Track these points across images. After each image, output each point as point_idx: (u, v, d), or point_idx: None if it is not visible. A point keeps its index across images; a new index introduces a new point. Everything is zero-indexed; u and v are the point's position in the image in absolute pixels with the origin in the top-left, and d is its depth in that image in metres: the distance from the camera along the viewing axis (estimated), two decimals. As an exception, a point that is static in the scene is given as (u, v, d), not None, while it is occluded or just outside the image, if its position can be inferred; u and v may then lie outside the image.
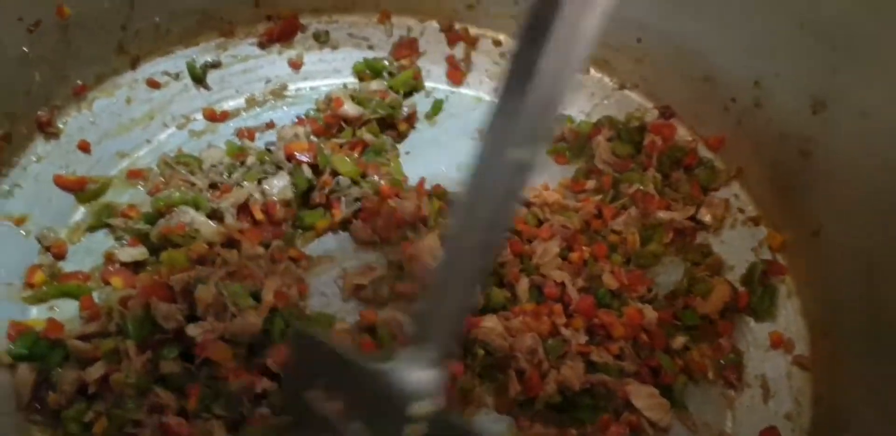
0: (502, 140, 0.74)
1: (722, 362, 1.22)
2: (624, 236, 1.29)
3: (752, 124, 1.30)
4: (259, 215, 1.24)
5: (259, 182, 1.27)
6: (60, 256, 1.21)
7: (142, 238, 1.22)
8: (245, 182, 1.27)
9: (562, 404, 1.14)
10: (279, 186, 1.27)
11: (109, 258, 1.20)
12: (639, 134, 1.39)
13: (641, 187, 1.32)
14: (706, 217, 1.33)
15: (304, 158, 1.30)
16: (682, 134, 1.41)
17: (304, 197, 1.29)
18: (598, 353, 1.17)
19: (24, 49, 1.17)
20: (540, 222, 1.30)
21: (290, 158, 1.31)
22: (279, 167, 1.30)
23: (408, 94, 1.46)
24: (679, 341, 1.21)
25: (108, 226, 1.24)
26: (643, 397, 1.13)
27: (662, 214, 1.32)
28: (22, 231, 1.20)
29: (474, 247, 0.78)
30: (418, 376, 0.81)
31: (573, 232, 1.28)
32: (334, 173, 1.30)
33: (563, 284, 1.22)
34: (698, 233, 1.34)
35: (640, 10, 1.33)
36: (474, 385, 1.16)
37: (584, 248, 1.27)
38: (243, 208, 1.25)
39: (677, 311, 1.24)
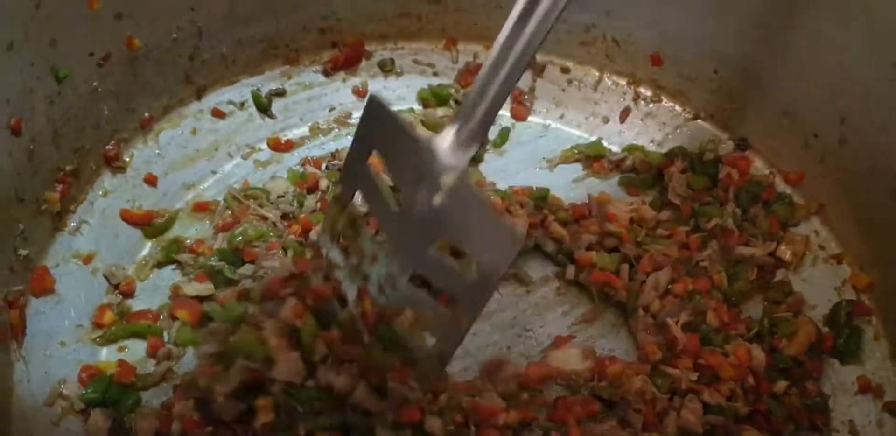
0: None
1: (808, 403, 1.17)
2: (710, 275, 1.24)
3: (837, 161, 1.25)
4: None
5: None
6: (129, 293, 1.18)
7: (211, 275, 1.18)
8: None
9: None
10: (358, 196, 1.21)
11: (176, 293, 1.17)
12: (713, 167, 1.35)
13: (720, 222, 1.28)
14: (786, 254, 1.29)
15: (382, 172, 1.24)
16: (759, 167, 1.36)
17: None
18: (710, 394, 1.13)
19: (94, 84, 1.15)
20: (638, 244, 1.26)
21: None
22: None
23: (475, 121, 1.42)
24: (781, 385, 1.16)
25: (175, 262, 1.20)
26: None
27: (744, 250, 1.27)
28: (90, 269, 1.17)
29: (519, 48, 0.93)
30: (454, 150, 0.93)
31: (674, 261, 1.24)
32: None
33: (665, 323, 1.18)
34: (777, 270, 1.29)
35: (720, 42, 1.29)
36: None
37: (686, 279, 1.23)
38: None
39: (766, 352, 1.19)
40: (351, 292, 1.04)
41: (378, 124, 0.95)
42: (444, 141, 0.93)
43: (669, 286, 1.23)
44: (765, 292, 1.27)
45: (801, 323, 1.22)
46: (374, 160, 1.00)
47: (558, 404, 1.12)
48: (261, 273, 1.16)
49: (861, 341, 1.22)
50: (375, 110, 0.95)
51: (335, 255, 1.06)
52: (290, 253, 1.19)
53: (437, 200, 0.88)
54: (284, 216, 1.24)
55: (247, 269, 1.17)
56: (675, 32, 1.33)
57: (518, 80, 0.96)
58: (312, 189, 1.27)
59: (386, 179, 1.01)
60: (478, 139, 0.94)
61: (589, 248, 1.27)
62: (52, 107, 1.08)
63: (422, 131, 1.01)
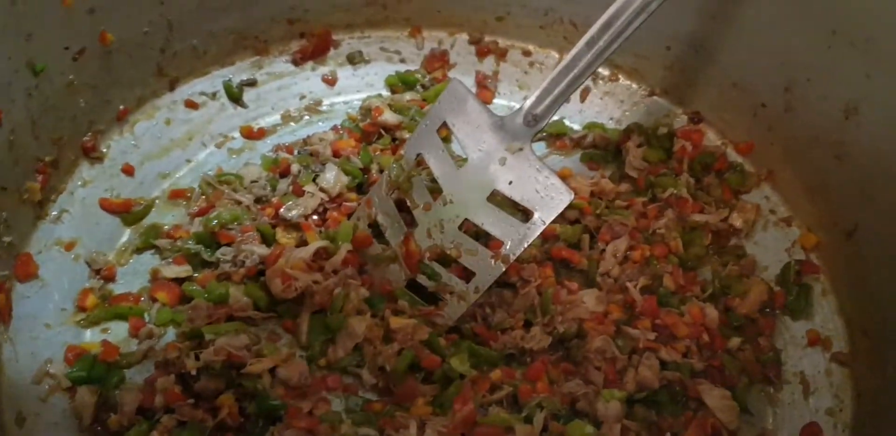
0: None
1: (762, 359, 1.20)
2: (667, 242, 1.27)
3: (784, 129, 1.28)
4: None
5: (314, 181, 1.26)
6: (110, 278, 1.19)
7: (189, 257, 1.20)
8: (306, 187, 1.24)
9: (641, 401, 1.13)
10: (331, 177, 1.25)
11: (155, 275, 1.19)
12: (668, 140, 1.37)
13: (675, 191, 1.31)
14: (737, 222, 1.31)
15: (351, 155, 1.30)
16: (711, 139, 1.39)
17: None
18: (667, 351, 1.16)
19: (70, 77, 1.16)
20: (598, 216, 1.29)
21: (336, 154, 1.30)
22: (323, 164, 1.28)
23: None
24: (735, 341, 1.19)
25: (154, 247, 1.22)
26: (716, 398, 1.12)
27: (698, 217, 1.30)
28: (72, 255, 1.18)
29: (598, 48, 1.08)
30: (522, 127, 1.12)
31: (631, 230, 1.27)
32: (380, 171, 1.29)
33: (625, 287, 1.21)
34: (731, 235, 1.32)
35: (671, 19, 1.30)
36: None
37: (643, 246, 1.26)
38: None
39: (721, 311, 1.22)
40: (396, 238, 1.19)
41: (457, 102, 1.13)
42: (516, 119, 1.12)
43: (628, 253, 1.25)
44: (719, 256, 1.30)
45: (753, 283, 1.25)
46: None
47: (536, 363, 1.14)
48: (241, 257, 1.18)
49: (810, 297, 1.25)
50: (458, 91, 1.13)
51: (387, 205, 1.21)
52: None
53: (504, 162, 1.10)
54: (258, 200, 1.25)
55: (224, 250, 1.19)
56: (627, 12, 1.36)
57: (586, 79, 1.12)
58: (285, 173, 1.29)
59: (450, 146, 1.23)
60: (542, 121, 1.12)
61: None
62: (30, 99, 1.09)
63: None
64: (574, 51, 1.09)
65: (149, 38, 1.25)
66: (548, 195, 1.08)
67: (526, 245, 1.10)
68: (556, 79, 1.11)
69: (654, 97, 1.43)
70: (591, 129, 1.41)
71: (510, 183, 1.10)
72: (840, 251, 1.23)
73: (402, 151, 1.21)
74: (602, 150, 1.40)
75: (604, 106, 1.45)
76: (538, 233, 1.09)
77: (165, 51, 1.28)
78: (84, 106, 1.20)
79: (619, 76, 1.45)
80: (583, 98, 1.46)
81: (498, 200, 1.13)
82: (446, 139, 1.26)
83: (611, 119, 1.44)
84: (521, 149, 1.11)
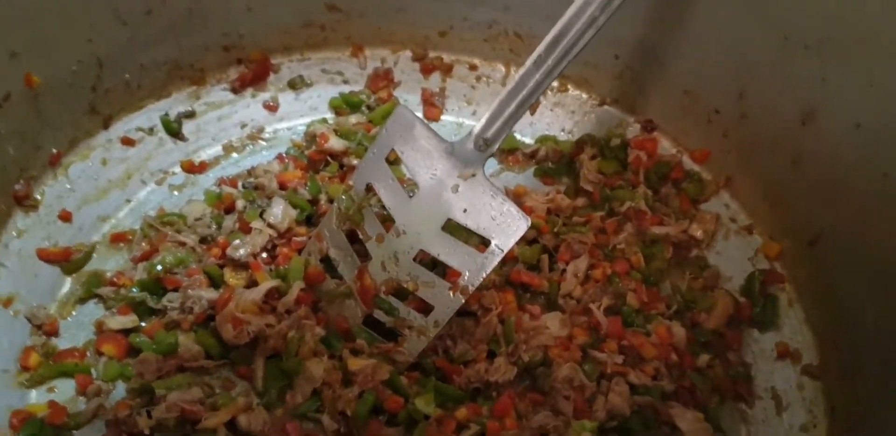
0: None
1: (732, 374, 1.15)
2: (628, 257, 1.21)
3: (739, 135, 1.22)
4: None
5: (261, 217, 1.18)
6: (53, 333, 1.11)
7: (134, 306, 1.12)
8: (253, 223, 1.17)
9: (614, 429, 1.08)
10: (279, 211, 1.18)
11: (100, 327, 1.11)
12: (622, 151, 1.31)
13: (633, 204, 1.25)
14: (698, 232, 1.26)
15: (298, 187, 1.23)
16: (666, 147, 1.33)
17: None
18: (636, 375, 1.10)
19: (-3, 126, 1.06)
20: (556, 234, 1.23)
21: (282, 186, 1.23)
22: (269, 198, 1.21)
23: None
24: (704, 359, 1.14)
25: (97, 296, 1.13)
26: (689, 422, 1.06)
27: (657, 230, 1.24)
28: (10, 312, 1.10)
29: (544, 70, 1.01)
30: (473, 152, 1.05)
31: (591, 247, 1.21)
32: (329, 200, 1.21)
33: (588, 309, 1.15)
34: (693, 247, 1.26)
35: (617, 26, 1.22)
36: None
37: (604, 264, 1.20)
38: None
39: (687, 327, 1.16)
40: (350, 273, 1.13)
41: (404, 129, 1.07)
42: (466, 144, 1.06)
43: (589, 272, 1.19)
44: (682, 269, 1.24)
45: (718, 296, 1.20)
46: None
47: (503, 397, 1.08)
48: (189, 303, 1.10)
49: (777, 308, 1.20)
50: (403, 117, 1.07)
51: (338, 238, 1.14)
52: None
53: (457, 189, 1.04)
54: (203, 240, 1.17)
55: (170, 297, 1.11)
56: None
57: (536, 98, 1.05)
58: (230, 209, 1.20)
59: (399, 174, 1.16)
60: (494, 145, 1.06)
61: (508, 241, 1.24)
62: (-48, 154, 1.00)
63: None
64: (522, 71, 1.02)
65: (78, 76, 1.16)
66: (504, 222, 1.01)
67: (485, 275, 1.04)
68: (505, 101, 1.04)
69: (606, 107, 1.37)
70: (543, 142, 1.35)
71: (465, 211, 1.03)
72: (804, 260, 1.18)
73: (350, 182, 1.13)
74: (555, 163, 1.34)
75: (554, 117, 1.38)
76: (497, 262, 1.02)
77: (97, 88, 1.19)
78: (14, 154, 1.11)
79: (569, 87, 1.38)
80: (533, 110, 1.38)
81: (453, 228, 1.06)
82: (395, 162, 1.18)
83: (562, 131, 1.37)
84: (473, 175, 1.04)
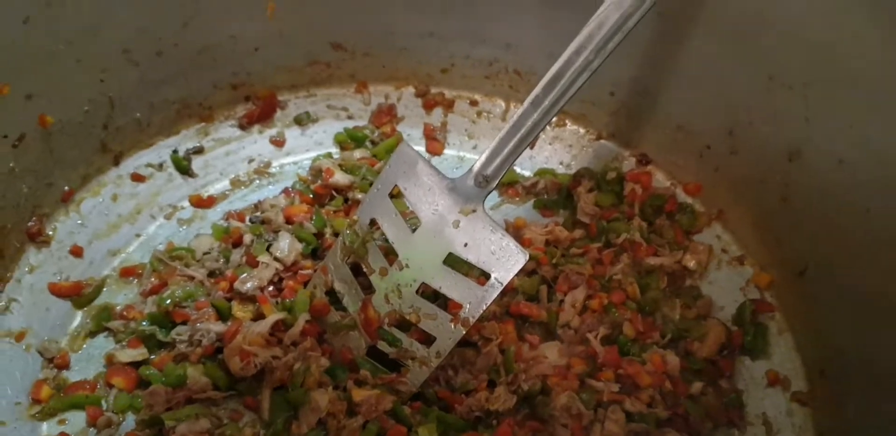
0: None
1: (724, 401, 1.17)
2: (624, 287, 1.24)
3: (730, 170, 1.25)
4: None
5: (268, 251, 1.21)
6: (64, 366, 1.13)
7: (144, 339, 1.14)
8: (260, 257, 1.19)
9: None
10: (285, 246, 1.20)
11: (110, 360, 1.13)
12: (618, 184, 1.34)
13: (628, 236, 1.27)
14: (691, 263, 1.28)
15: (304, 221, 1.25)
16: (660, 180, 1.36)
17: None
18: (631, 402, 1.12)
19: (11, 165, 1.09)
20: (555, 265, 1.25)
21: (289, 221, 1.25)
22: (276, 232, 1.23)
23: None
24: (697, 386, 1.16)
25: (107, 329, 1.16)
26: None
27: (652, 261, 1.27)
28: (23, 346, 1.12)
29: (542, 110, 1.04)
30: (473, 188, 1.08)
31: (588, 278, 1.23)
32: (334, 234, 1.24)
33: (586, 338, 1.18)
34: (686, 276, 1.29)
35: (612, 65, 1.26)
36: None
37: (601, 294, 1.22)
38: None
39: (681, 356, 1.19)
40: (354, 305, 1.15)
41: (407, 165, 1.09)
42: (466, 180, 1.08)
43: (587, 303, 1.22)
44: (676, 298, 1.26)
45: (711, 325, 1.22)
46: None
47: (503, 425, 1.10)
48: (198, 336, 1.12)
49: (767, 336, 1.22)
50: (407, 154, 1.10)
51: (343, 272, 1.16)
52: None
53: (458, 225, 1.07)
54: (211, 274, 1.20)
55: (179, 330, 1.13)
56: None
57: (536, 137, 1.07)
58: (237, 243, 1.23)
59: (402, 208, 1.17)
60: (493, 182, 1.08)
61: (509, 272, 1.26)
62: (-31, 195, 1.03)
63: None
64: (519, 111, 1.05)
65: (90, 116, 1.19)
66: (503, 256, 1.04)
67: (485, 307, 1.06)
68: (505, 139, 1.07)
69: (602, 141, 1.40)
70: (541, 175, 1.38)
71: (465, 245, 1.06)
72: (793, 290, 1.21)
73: (355, 216, 1.16)
74: (554, 196, 1.37)
75: (553, 151, 1.42)
76: (496, 295, 1.05)
77: (108, 126, 1.22)
78: (27, 191, 1.14)
79: (567, 122, 1.41)
80: (532, 144, 1.40)
81: (454, 262, 1.09)
82: (398, 196, 1.21)
83: (560, 164, 1.41)
84: (473, 211, 1.07)
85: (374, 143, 1.39)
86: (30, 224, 1.16)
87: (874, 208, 1.03)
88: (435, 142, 1.41)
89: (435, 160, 1.40)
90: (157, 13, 1.15)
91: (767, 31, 1.07)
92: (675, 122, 1.28)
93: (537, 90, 1.03)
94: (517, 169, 1.40)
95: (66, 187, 1.21)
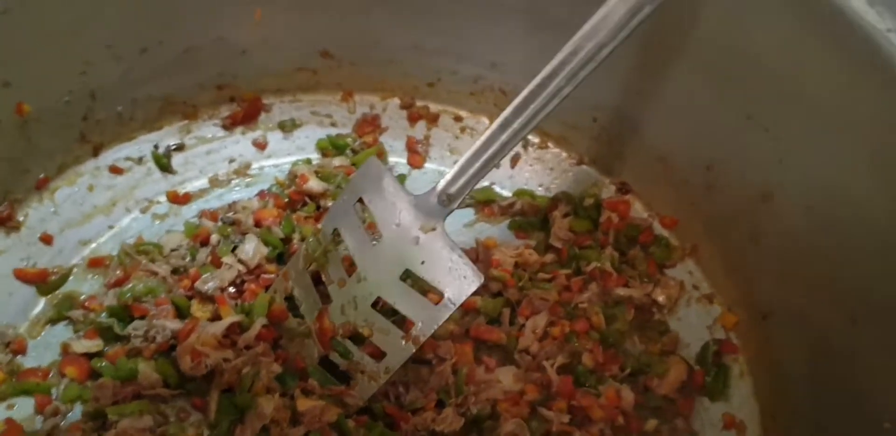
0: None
1: (678, 442, 1.19)
2: (589, 316, 1.25)
3: (705, 206, 1.27)
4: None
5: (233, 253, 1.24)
6: (20, 351, 1.16)
7: (101, 331, 1.17)
8: (224, 258, 1.22)
9: None
10: (251, 248, 1.23)
11: (66, 350, 1.16)
12: (595, 210, 1.35)
13: (599, 265, 1.29)
14: (660, 297, 1.30)
15: (273, 225, 1.28)
16: (638, 210, 1.38)
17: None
18: (581, 435, 1.14)
19: (-18, 151, 1.13)
20: (521, 288, 1.27)
21: (258, 224, 1.28)
22: (244, 234, 1.26)
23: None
24: (652, 424, 1.18)
25: (68, 318, 1.19)
26: None
27: (621, 292, 1.28)
28: (-20, 330, 1.16)
29: (511, 130, 1.06)
30: (435, 206, 1.09)
31: (552, 305, 1.25)
32: (301, 240, 1.26)
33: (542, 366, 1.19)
34: (654, 310, 1.30)
35: (595, 91, 1.29)
36: None
37: (563, 322, 1.24)
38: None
39: (639, 391, 1.21)
40: (311, 314, 1.18)
41: (373, 179, 1.12)
42: (430, 198, 1.10)
43: (548, 329, 1.24)
44: (642, 332, 1.28)
45: (673, 362, 1.23)
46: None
47: None
48: (153, 332, 1.15)
49: (728, 378, 1.23)
50: (373, 168, 1.13)
51: (303, 279, 1.19)
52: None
53: (418, 241, 1.08)
54: (175, 271, 1.23)
55: (136, 324, 1.16)
56: (555, 84, 1.35)
57: (501, 158, 1.09)
58: (205, 243, 1.26)
59: (366, 222, 1.18)
60: (456, 201, 1.10)
61: (474, 293, 1.28)
62: (-63, 177, 1.07)
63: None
64: (488, 133, 1.07)
65: (70, 107, 1.22)
66: (458, 277, 1.05)
67: (436, 327, 1.08)
68: (471, 159, 1.09)
69: (583, 166, 1.42)
70: (519, 196, 1.40)
71: (423, 263, 1.08)
72: (756, 333, 1.22)
73: (319, 225, 1.19)
74: (530, 217, 1.39)
75: (534, 173, 1.44)
76: (448, 315, 1.07)
77: (88, 118, 1.25)
78: (0, 177, 1.17)
79: (549, 144, 1.43)
80: (513, 164, 1.44)
81: (412, 279, 1.11)
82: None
83: (540, 186, 1.43)
84: (433, 229, 1.09)
85: (354, 151, 1.41)
86: (0, 208, 1.20)
87: (838, 257, 1.04)
88: (416, 155, 1.44)
89: (415, 173, 1.43)
90: (143, 10, 1.18)
91: (748, 69, 1.09)
92: (656, 152, 1.30)
93: (507, 112, 1.05)
94: (496, 188, 1.43)
95: (42, 175, 1.24)
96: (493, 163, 1.09)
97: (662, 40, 1.15)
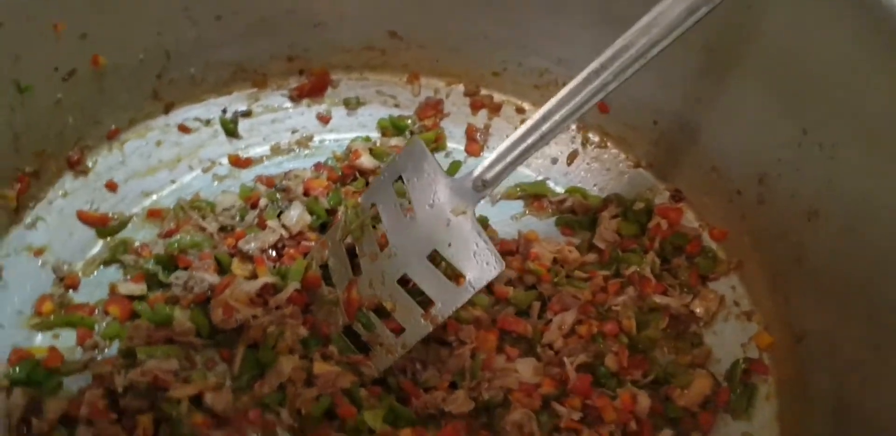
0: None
1: (692, 456, 1.18)
2: (620, 319, 1.25)
3: (755, 220, 1.25)
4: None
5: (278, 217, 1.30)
6: (73, 287, 1.25)
7: (147, 276, 1.25)
8: (269, 222, 1.29)
9: None
10: (295, 215, 1.29)
11: (113, 290, 1.25)
12: (645, 215, 1.36)
13: (638, 269, 1.29)
14: (699, 309, 1.28)
15: (321, 195, 1.34)
16: (690, 219, 1.37)
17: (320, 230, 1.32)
18: (590, 434, 1.14)
19: (59, 96, 1.21)
20: (556, 284, 1.28)
21: (307, 193, 1.34)
22: (291, 201, 1.32)
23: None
24: (666, 433, 1.17)
25: (120, 261, 1.28)
26: None
27: (658, 299, 1.28)
28: (39, 261, 1.25)
29: (550, 123, 1.08)
30: (469, 190, 1.12)
31: (584, 304, 1.26)
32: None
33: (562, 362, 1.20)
34: (692, 323, 1.29)
35: (657, 94, 1.30)
36: None
37: (592, 321, 1.24)
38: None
39: (660, 400, 1.20)
40: (341, 284, 1.23)
41: (415, 159, 1.16)
42: (465, 182, 1.13)
43: (575, 327, 1.24)
44: (675, 342, 1.27)
45: (698, 375, 1.22)
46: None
47: (448, 427, 1.15)
48: (192, 283, 1.22)
49: (753, 399, 1.21)
50: (416, 148, 1.16)
51: (339, 250, 1.24)
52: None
53: (448, 223, 1.12)
54: (223, 229, 1.30)
55: (178, 274, 1.24)
56: (621, 83, 1.35)
57: (539, 149, 1.11)
58: (255, 205, 1.33)
59: (404, 201, 1.22)
60: (490, 187, 1.14)
61: (508, 283, 1.30)
62: (13, 114, 1.16)
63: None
64: (530, 122, 1.09)
65: (144, 64, 1.31)
66: (482, 262, 1.08)
67: (454, 308, 1.11)
68: (510, 147, 1.12)
69: (640, 169, 1.42)
70: (571, 193, 1.41)
71: (450, 245, 1.11)
72: (789, 355, 1.19)
73: (360, 199, 1.23)
74: (580, 216, 1.39)
75: (590, 171, 1.44)
76: (467, 298, 1.10)
77: (161, 77, 1.34)
78: (72, 123, 1.26)
79: (608, 144, 1.44)
80: (570, 161, 1.45)
81: (437, 260, 1.14)
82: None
83: (594, 186, 1.43)
84: (464, 212, 1.12)
85: (413, 133, 1.45)
86: (70, 153, 1.30)
87: (873, 282, 1.01)
88: (475, 143, 1.47)
89: (471, 161, 1.46)
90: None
91: (808, 81, 1.07)
92: (711, 162, 1.29)
93: (551, 104, 1.07)
94: (550, 184, 1.44)
95: (113, 126, 1.34)
96: (530, 152, 1.11)
97: (724, 46, 1.15)
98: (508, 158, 1.11)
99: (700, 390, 1.21)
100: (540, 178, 1.44)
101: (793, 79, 1.09)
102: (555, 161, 1.46)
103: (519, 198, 1.43)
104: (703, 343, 1.27)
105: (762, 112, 1.16)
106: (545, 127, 1.09)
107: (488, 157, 1.12)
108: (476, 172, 1.13)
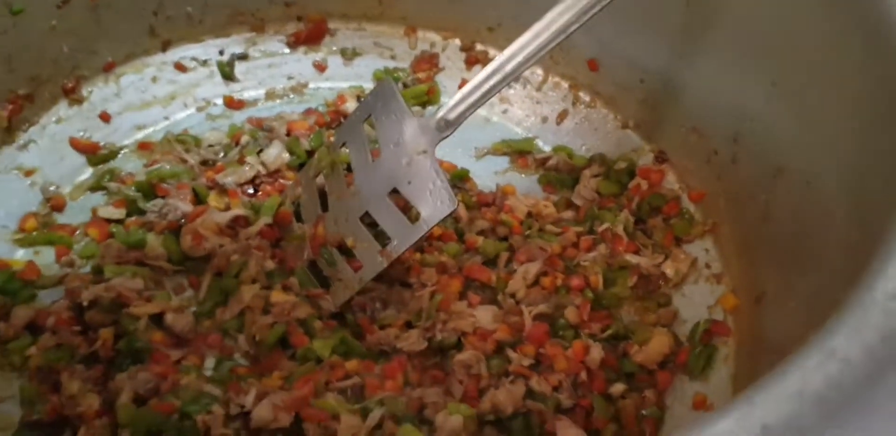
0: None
1: (644, 412, 1.18)
2: (588, 275, 1.27)
3: (728, 181, 1.25)
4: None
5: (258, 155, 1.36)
6: (58, 208, 1.32)
7: (127, 202, 1.32)
8: (248, 158, 1.34)
9: (495, 423, 1.15)
10: (274, 153, 1.35)
11: (94, 213, 1.32)
12: (627, 175, 1.37)
13: (612, 227, 1.30)
14: (669, 270, 1.29)
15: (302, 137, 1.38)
16: (671, 181, 1.37)
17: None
18: (538, 381, 1.16)
19: (53, 22, 1.28)
20: (527, 237, 1.31)
21: (289, 133, 1.39)
22: (272, 141, 1.38)
23: (420, 106, 1.50)
24: (618, 388, 1.18)
25: (105, 188, 1.35)
26: None
27: (630, 258, 1.29)
28: (29, 181, 1.33)
29: (514, 63, 1.11)
30: (432, 130, 1.15)
31: (551, 256, 1.28)
32: None
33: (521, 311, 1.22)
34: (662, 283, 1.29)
35: (644, 51, 1.31)
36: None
37: (558, 274, 1.26)
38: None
39: (617, 355, 1.21)
40: (310, 220, 1.27)
41: (384, 99, 1.19)
42: (429, 122, 1.16)
43: (540, 279, 1.27)
44: (642, 302, 1.28)
45: (657, 333, 1.22)
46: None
47: (394, 361, 1.18)
48: (166, 210, 1.29)
49: (712, 359, 1.20)
50: (386, 88, 1.20)
51: (310, 187, 1.29)
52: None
53: (410, 162, 1.15)
54: (205, 162, 1.36)
55: (155, 202, 1.30)
56: (609, 40, 1.37)
57: (500, 90, 1.15)
58: (238, 142, 1.39)
59: (370, 139, 1.25)
60: (451, 128, 1.17)
61: (481, 233, 1.33)
62: (4, 36, 1.23)
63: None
64: (494, 63, 1.12)
65: (139, -1, 1.38)
66: (436, 200, 1.12)
67: (408, 245, 1.15)
68: (474, 88, 1.15)
69: (628, 130, 1.43)
70: (557, 151, 1.43)
71: (409, 183, 1.15)
72: (748, 316, 1.19)
73: (332, 138, 1.27)
74: (563, 174, 1.41)
75: (578, 131, 1.46)
76: (421, 235, 1.13)
77: (158, 14, 1.40)
78: (67, 51, 1.33)
79: (597, 104, 1.45)
80: (560, 120, 1.47)
81: (397, 197, 1.18)
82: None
83: (582, 146, 1.45)
84: (424, 151, 1.15)
85: (406, 86, 1.49)
86: (66, 81, 1.37)
87: (827, 235, 1.00)
88: (466, 99, 1.49)
89: (463, 118, 1.48)
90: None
91: (778, 34, 1.07)
92: (692, 121, 1.30)
93: (514, 46, 1.09)
94: (539, 142, 1.46)
95: (110, 58, 1.41)
96: (492, 93, 1.14)
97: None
98: (471, 99, 1.14)
99: (658, 348, 1.21)
100: (529, 135, 1.47)
101: (764, 32, 1.09)
102: (545, 120, 1.48)
103: (504, 154, 1.46)
104: (670, 304, 1.27)
105: (738, 67, 1.16)
106: (508, 67, 1.11)
107: (453, 98, 1.15)
108: (440, 113, 1.16)
